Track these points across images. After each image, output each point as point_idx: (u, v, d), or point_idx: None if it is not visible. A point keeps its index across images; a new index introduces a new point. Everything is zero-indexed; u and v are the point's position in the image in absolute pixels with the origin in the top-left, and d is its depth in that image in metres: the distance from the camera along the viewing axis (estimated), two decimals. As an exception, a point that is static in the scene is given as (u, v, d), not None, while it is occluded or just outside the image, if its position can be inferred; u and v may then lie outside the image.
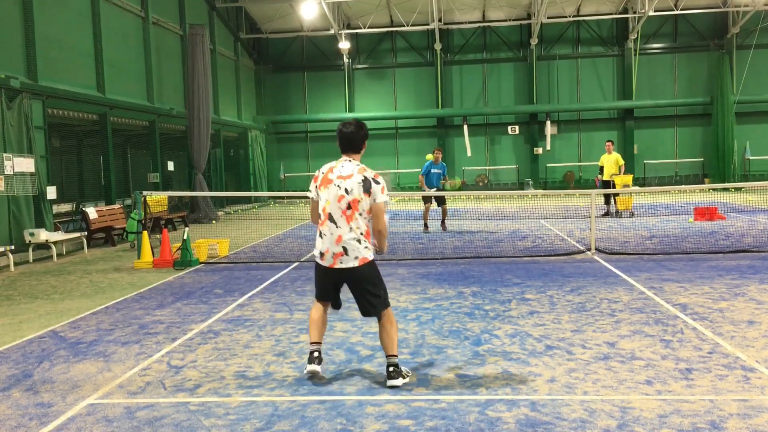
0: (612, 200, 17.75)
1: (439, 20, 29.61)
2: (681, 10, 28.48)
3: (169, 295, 8.63)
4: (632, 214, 17.51)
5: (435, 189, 15.18)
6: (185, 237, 11.08)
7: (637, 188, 19.09)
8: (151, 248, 11.45)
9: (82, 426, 4.22)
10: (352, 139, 4.97)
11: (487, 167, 31.99)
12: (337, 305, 5.21)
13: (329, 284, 5.01)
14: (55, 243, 12.86)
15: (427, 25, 29.66)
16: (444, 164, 15.57)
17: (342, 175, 4.86)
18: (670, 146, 31.58)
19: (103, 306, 8.06)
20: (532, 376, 4.92)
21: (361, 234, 4.84)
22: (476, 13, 30.67)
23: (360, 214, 4.83)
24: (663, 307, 7.06)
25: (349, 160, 4.94)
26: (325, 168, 4.99)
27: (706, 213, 15.93)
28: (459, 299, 7.77)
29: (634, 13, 29.18)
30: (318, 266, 5.00)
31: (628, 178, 18.04)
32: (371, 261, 4.91)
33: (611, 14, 30.04)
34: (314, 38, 31.90)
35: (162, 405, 4.54)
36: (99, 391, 4.87)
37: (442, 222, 15.55)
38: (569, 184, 31.05)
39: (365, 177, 4.82)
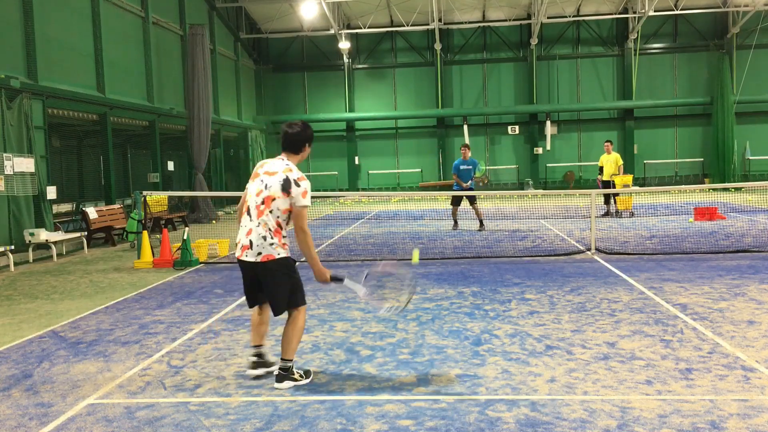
0: (612, 200, 17.76)
1: (439, 20, 29.62)
2: (681, 10, 28.49)
3: (169, 295, 8.63)
4: (632, 214, 17.51)
5: (468, 187, 14.90)
6: (185, 237, 11.08)
7: (637, 188, 19.09)
8: (151, 248, 11.45)
9: (82, 426, 4.22)
10: (294, 140, 4.96)
11: (487, 167, 31.99)
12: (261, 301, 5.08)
13: (245, 278, 4.98)
14: (55, 243, 12.86)
15: (427, 25, 29.67)
16: (474, 159, 15.23)
17: (269, 171, 4.89)
18: (670, 146, 31.59)
19: (103, 306, 8.06)
20: (532, 376, 4.92)
21: (269, 231, 4.76)
22: (476, 13, 30.68)
23: (271, 212, 4.77)
24: (663, 307, 7.06)
25: (282, 159, 4.96)
26: (261, 162, 5.04)
27: (706, 213, 15.92)
28: (459, 299, 7.77)
29: (634, 13, 29.19)
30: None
31: (628, 178, 18.04)
32: (278, 259, 4.78)
33: (611, 14, 30.05)
34: (314, 38, 31.90)
35: (162, 405, 4.54)
36: (99, 391, 4.87)
37: (480, 224, 15.12)
38: (569, 184, 31.06)
39: (287, 177, 4.79)
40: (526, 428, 3.96)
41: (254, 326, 5.13)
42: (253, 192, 4.87)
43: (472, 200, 15.05)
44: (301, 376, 4.90)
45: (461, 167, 14.96)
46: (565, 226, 15.51)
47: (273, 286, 4.82)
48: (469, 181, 14.93)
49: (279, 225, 4.80)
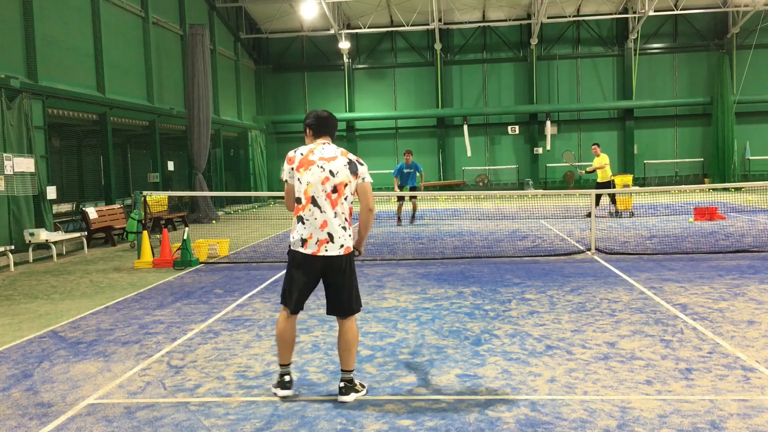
0: (611, 200, 17.76)
1: (439, 20, 29.61)
2: (681, 10, 28.48)
3: (169, 295, 8.63)
4: (632, 214, 17.51)
5: (409, 188, 16.67)
6: (185, 237, 11.08)
7: (637, 188, 19.09)
8: (151, 248, 11.45)
9: (82, 426, 4.22)
10: (331, 124, 4.72)
11: (487, 167, 31.99)
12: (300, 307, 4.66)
13: (304, 278, 4.52)
14: (55, 243, 12.86)
15: (427, 25, 29.66)
16: (416, 163, 16.84)
17: (325, 157, 4.53)
18: (670, 146, 31.58)
19: (103, 306, 8.06)
20: (532, 376, 4.92)
21: (345, 220, 4.53)
22: (476, 12, 30.67)
23: (345, 198, 4.52)
24: (663, 307, 7.06)
25: (329, 143, 4.65)
26: (303, 149, 4.61)
27: (706, 213, 15.92)
28: (459, 299, 7.77)
29: (634, 13, 29.18)
30: (296, 256, 4.52)
31: (628, 178, 18.04)
32: (352, 251, 4.61)
33: (611, 14, 30.03)
34: (314, 38, 31.90)
35: (162, 405, 4.54)
36: (99, 391, 4.87)
37: (412, 217, 17.02)
38: (569, 184, 31.06)
39: (350, 160, 4.58)
40: (526, 428, 3.96)
41: (289, 340, 4.63)
42: (315, 181, 4.47)
43: (413, 198, 17.08)
44: (362, 386, 4.65)
45: (404, 170, 16.70)
46: (565, 226, 15.51)
47: (348, 281, 4.54)
48: (411, 185, 16.75)
49: (350, 212, 4.60)
